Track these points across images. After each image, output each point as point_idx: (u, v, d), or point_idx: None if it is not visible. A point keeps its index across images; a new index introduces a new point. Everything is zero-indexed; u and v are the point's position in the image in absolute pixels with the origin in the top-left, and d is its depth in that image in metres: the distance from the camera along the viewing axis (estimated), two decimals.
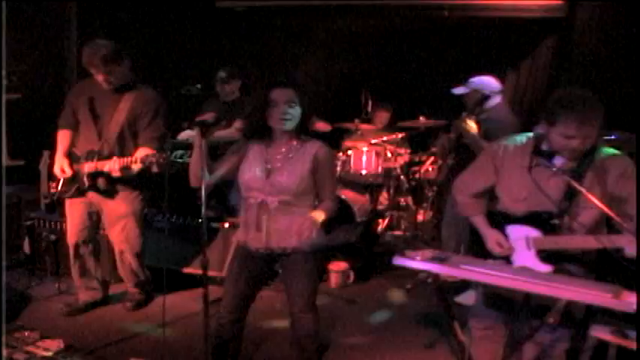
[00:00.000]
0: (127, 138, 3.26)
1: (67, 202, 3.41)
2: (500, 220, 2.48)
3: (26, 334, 2.67)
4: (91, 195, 3.33)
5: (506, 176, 2.44)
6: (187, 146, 4.44)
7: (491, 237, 2.47)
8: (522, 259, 2.39)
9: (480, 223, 2.54)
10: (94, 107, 3.26)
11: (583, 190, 2.15)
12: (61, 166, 3.26)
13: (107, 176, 3.24)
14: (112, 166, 3.14)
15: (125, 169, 3.14)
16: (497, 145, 2.53)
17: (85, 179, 3.23)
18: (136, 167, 3.12)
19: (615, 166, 2.26)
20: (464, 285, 3.95)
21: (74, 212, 3.40)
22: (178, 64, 5.79)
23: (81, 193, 3.31)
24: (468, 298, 3.89)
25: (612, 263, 2.23)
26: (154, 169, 3.04)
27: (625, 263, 2.13)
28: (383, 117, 5.74)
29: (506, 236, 2.46)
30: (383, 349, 3.24)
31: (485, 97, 3.69)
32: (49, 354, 2.47)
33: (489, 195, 2.56)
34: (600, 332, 2.30)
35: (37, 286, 3.90)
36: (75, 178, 3.27)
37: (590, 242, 2.22)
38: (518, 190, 2.39)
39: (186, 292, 3.82)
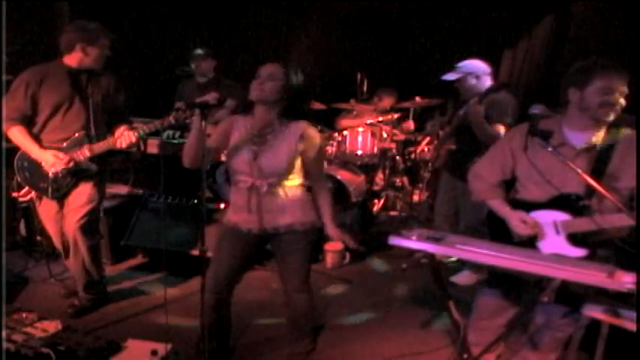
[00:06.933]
0: (101, 120, 3.23)
1: (39, 206, 3.28)
2: (522, 208, 2.36)
3: (24, 315, 2.66)
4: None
5: (521, 160, 2.39)
6: (179, 127, 4.44)
7: (513, 217, 2.34)
8: (551, 246, 2.28)
9: (500, 205, 2.41)
10: (60, 93, 3.08)
11: (579, 170, 2.14)
12: (55, 155, 3.06)
13: (99, 158, 3.17)
14: (124, 141, 3.12)
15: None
16: (513, 129, 2.50)
17: (89, 163, 3.13)
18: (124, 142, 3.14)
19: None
20: (460, 265, 4.00)
21: (48, 216, 3.29)
22: (170, 50, 5.75)
23: (75, 183, 3.16)
24: (463, 278, 3.94)
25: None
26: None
27: (622, 245, 2.13)
28: (388, 102, 5.73)
29: None
30: (378, 329, 3.27)
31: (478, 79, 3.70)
32: (47, 335, 2.47)
33: (507, 185, 2.48)
34: (593, 311, 2.31)
35: (34, 268, 3.90)
36: (76, 168, 3.11)
37: (623, 219, 2.11)
38: (537, 171, 2.32)
39: (186, 273, 3.83)
